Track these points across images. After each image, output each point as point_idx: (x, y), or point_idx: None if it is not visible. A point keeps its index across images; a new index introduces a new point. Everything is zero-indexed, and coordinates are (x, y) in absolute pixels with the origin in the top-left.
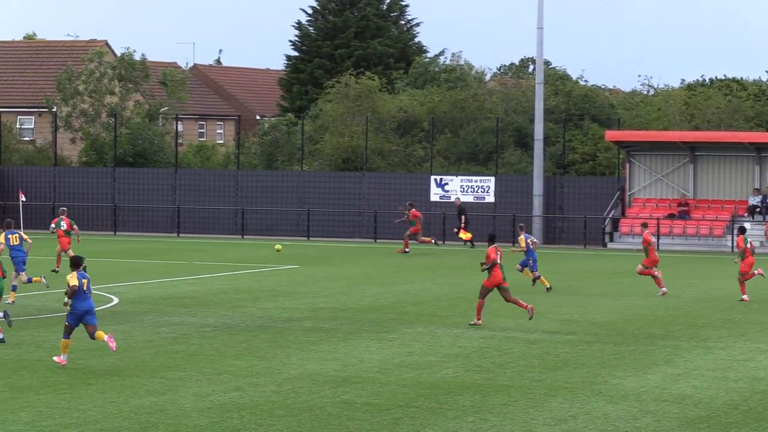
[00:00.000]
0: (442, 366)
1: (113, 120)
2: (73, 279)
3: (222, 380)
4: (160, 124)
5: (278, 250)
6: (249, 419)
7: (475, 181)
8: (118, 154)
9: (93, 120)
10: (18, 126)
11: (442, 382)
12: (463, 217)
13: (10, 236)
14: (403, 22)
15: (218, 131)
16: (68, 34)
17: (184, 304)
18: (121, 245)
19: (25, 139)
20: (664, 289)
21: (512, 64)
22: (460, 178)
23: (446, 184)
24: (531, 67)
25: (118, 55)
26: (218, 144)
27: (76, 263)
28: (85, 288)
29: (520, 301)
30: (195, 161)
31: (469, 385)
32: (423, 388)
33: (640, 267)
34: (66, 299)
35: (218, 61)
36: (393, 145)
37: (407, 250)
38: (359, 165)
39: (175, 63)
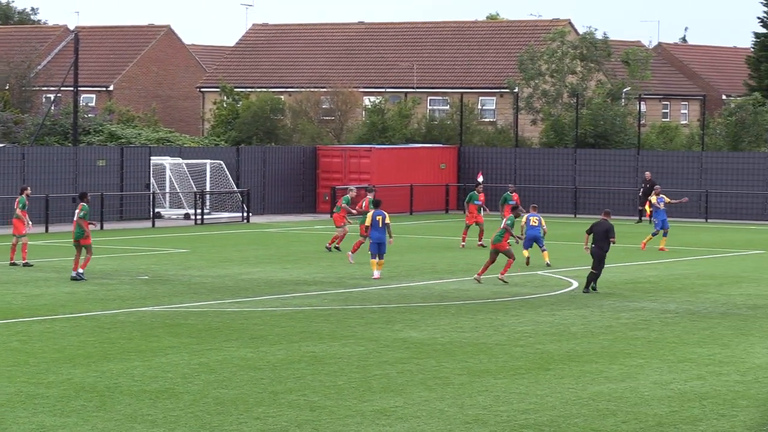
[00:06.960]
0: None
1: (574, 100)
2: (369, 218)
3: (683, 368)
4: (623, 104)
5: None
6: (710, 409)
7: None
8: (579, 134)
9: (554, 101)
10: (479, 107)
11: None
12: None
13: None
14: None
15: (682, 111)
16: (531, 14)
17: (645, 289)
18: (581, 228)
19: (485, 120)
20: None
21: None
22: None
23: None
24: None
25: (580, 34)
26: (682, 125)
27: (375, 204)
28: (380, 224)
29: None
30: (658, 142)
31: None
32: None
33: None
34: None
35: (683, 40)
36: None
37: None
38: None
39: (639, 42)
